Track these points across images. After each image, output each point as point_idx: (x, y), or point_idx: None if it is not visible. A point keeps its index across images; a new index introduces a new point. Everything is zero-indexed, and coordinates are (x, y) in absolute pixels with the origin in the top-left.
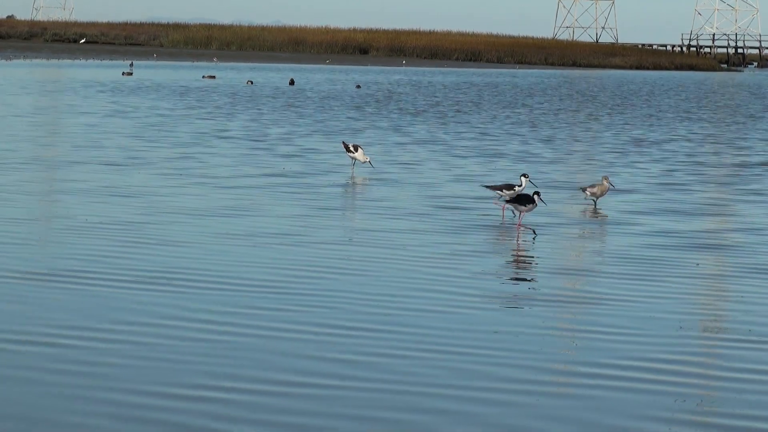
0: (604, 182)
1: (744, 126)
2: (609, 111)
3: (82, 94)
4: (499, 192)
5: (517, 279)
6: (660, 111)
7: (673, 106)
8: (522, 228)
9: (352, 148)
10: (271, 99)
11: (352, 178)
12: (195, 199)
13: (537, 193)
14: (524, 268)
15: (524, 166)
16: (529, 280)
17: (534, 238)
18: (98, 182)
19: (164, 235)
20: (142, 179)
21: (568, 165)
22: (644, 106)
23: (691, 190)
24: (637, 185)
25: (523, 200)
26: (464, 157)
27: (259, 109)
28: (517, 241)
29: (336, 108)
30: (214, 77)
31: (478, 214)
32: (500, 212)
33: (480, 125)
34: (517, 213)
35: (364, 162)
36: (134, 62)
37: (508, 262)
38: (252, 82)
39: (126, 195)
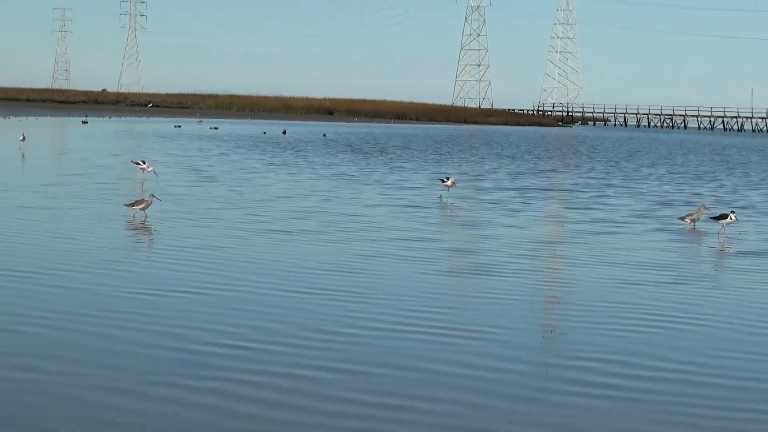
0: (701, 209)
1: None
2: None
3: (114, 140)
4: (722, 221)
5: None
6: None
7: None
8: (723, 235)
9: (445, 179)
10: (272, 145)
11: (443, 203)
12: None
13: (733, 211)
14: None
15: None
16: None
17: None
18: None
19: None
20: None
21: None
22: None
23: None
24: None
25: (721, 217)
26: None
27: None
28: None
29: (311, 149)
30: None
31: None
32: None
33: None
34: (720, 226)
35: (453, 186)
36: (181, 122)
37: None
38: (266, 132)
39: None
